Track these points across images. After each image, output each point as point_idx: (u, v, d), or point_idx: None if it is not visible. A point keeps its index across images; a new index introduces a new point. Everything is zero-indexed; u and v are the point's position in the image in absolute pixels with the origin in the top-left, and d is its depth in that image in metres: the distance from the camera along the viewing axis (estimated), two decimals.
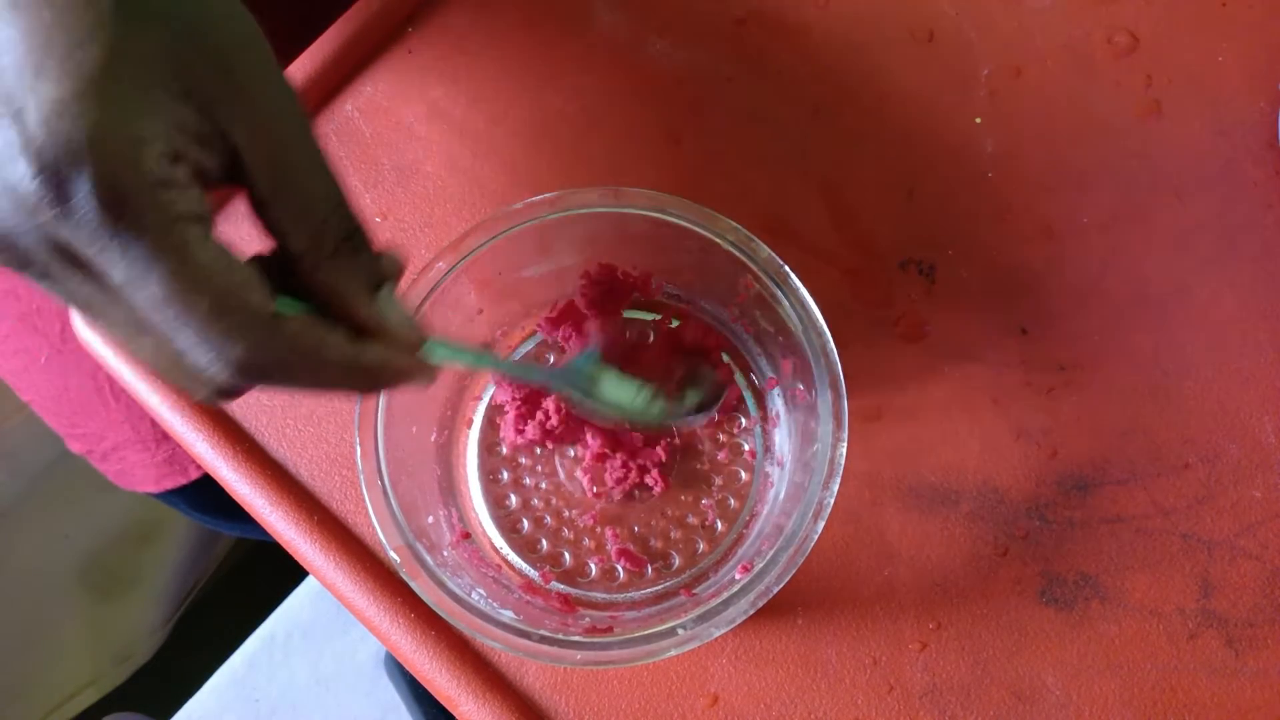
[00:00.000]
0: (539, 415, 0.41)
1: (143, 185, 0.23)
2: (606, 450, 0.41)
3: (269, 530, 0.42)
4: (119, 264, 0.23)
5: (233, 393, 0.26)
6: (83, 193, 0.22)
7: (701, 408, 0.41)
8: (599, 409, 0.39)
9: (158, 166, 0.24)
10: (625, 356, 0.42)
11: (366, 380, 0.28)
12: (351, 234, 0.28)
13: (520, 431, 0.41)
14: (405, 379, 0.30)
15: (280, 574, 0.86)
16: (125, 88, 0.23)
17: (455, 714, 0.40)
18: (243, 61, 0.26)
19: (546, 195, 0.38)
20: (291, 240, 0.27)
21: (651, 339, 0.43)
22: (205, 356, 0.25)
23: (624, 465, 0.41)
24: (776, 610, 0.40)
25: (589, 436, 0.42)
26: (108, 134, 0.23)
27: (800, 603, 0.41)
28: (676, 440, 0.42)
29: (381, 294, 0.29)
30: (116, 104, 0.23)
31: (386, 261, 0.30)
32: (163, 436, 0.61)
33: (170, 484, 0.64)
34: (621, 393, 0.39)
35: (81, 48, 0.23)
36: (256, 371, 0.25)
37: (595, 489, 0.41)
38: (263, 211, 0.27)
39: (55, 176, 0.22)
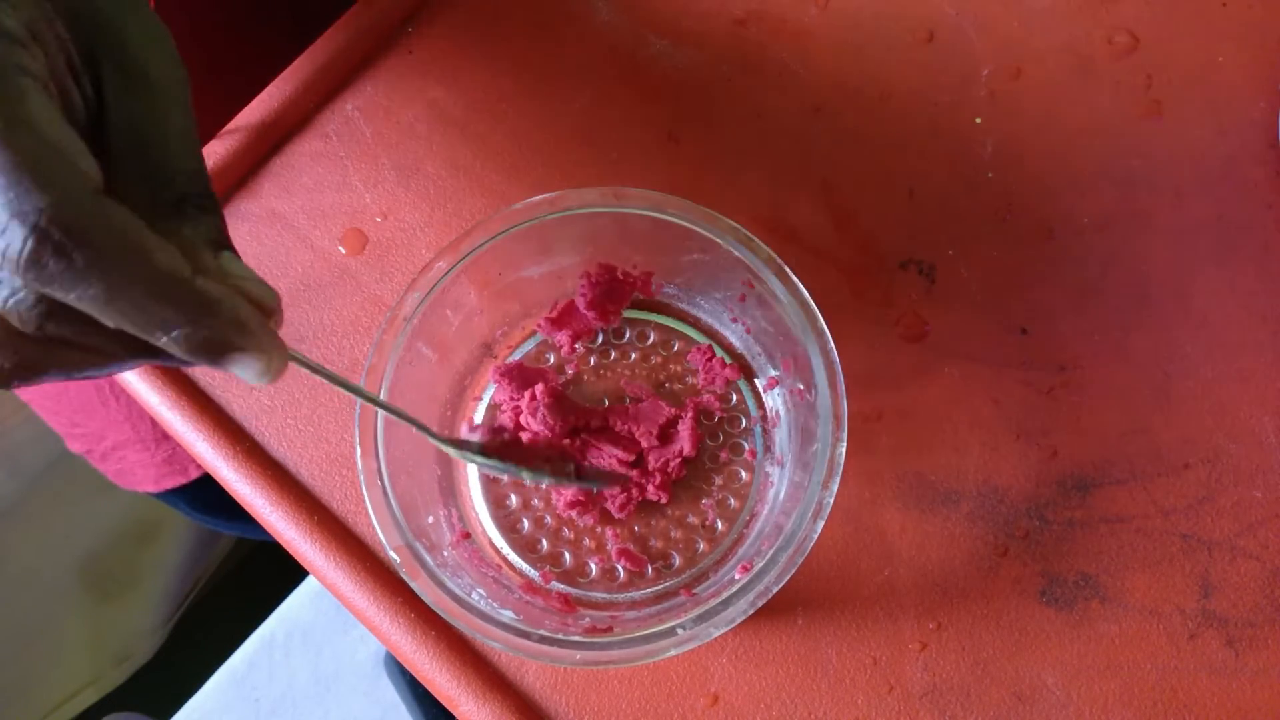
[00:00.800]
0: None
1: None
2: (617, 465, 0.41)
3: (269, 530, 0.42)
4: None
5: (22, 317, 0.22)
6: None
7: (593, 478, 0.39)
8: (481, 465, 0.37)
9: (9, 21, 0.22)
10: (510, 446, 0.38)
11: (189, 311, 0.23)
12: (202, 195, 0.26)
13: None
14: (236, 332, 0.24)
15: (280, 574, 0.86)
16: None
17: (455, 714, 0.40)
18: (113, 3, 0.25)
19: (546, 195, 0.38)
20: (136, 186, 0.25)
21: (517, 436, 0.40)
22: (3, 217, 0.20)
23: (624, 492, 0.41)
24: (777, 610, 0.40)
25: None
26: None
27: (800, 602, 0.41)
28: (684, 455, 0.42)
29: (225, 254, 0.26)
30: None
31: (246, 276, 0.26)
32: (162, 436, 0.61)
33: (170, 483, 0.64)
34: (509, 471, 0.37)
35: None
36: (62, 255, 0.21)
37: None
38: (113, 169, 0.25)
39: None
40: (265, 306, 0.25)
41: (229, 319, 0.23)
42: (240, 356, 0.24)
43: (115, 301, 0.22)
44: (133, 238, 0.22)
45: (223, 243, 0.26)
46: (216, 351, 0.23)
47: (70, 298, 0.22)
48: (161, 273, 0.22)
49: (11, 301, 0.22)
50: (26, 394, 0.63)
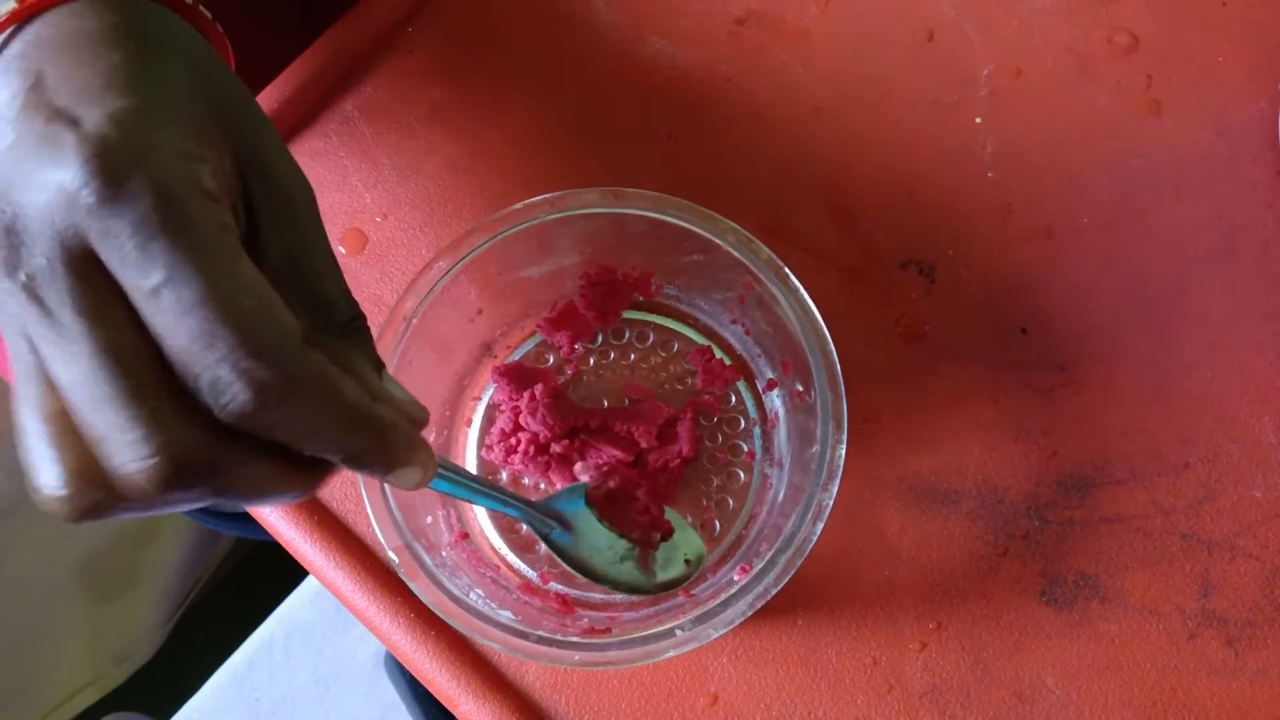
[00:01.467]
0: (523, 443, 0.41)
1: (194, 191, 0.24)
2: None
3: (269, 530, 0.42)
4: (158, 263, 0.22)
5: (211, 458, 0.24)
6: (138, 190, 0.23)
7: (672, 583, 0.39)
8: (567, 557, 0.38)
9: (207, 180, 0.24)
10: (609, 500, 0.40)
11: (371, 438, 0.26)
12: (356, 318, 0.28)
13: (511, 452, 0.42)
14: (407, 450, 0.27)
15: (280, 574, 0.86)
16: (174, 112, 0.25)
17: (455, 714, 0.40)
18: (251, 119, 0.27)
19: (546, 195, 0.38)
20: (302, 314, 0.26)
21: (640, 489, 0.41)
22: (229, 375, 0.23)
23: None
24: (776, 610, 0.40)
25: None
26: (164, 143, 0.24)
27: (800, 603, 0.41)
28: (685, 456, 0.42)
29: (384, 375, 0.28)
30: (172, 122, 0.24)
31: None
32: None
33: None
34: (596, 541, 0.38)
35: (137, 75, 0.24)
36: (274, 393, 0.23)
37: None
38: (278, 281, 0.26)
39: (111, 173, 0.23)
40: (419, 423, 0.28)
41: (401, 441, 0.26)
42: (403, 470, 0.27)
43: (314, 436, 0.25)
44: (330, 381, 0.25)
45: (378, 362, 0.29)
46: (387, 468, 0.27)
47: (275, 435, 0.24)
48: (350, 408, 0.25)
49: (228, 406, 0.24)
50: None
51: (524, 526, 0.41)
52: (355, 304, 0.28)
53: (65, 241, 0.23)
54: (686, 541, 0.39)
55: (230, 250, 0.24)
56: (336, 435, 0.25)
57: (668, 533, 0.39)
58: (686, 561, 0.39)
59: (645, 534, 0.39)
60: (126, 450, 0.23)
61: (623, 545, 0.39)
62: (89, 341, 0.23)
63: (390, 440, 0.26)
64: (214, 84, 0.27)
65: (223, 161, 0.25)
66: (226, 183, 0.26)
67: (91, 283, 0.23)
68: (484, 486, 0.35)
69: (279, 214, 0.27)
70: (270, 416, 0.23)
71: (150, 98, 0.25)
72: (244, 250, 0.25)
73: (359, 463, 0.26)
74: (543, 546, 0.39)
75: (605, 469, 0.40)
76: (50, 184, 0.23)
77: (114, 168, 0.23)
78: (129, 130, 0.23)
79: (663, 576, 0.39)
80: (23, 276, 0.23)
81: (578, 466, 0.41)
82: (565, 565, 0.38)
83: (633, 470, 0.41)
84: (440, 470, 0.31)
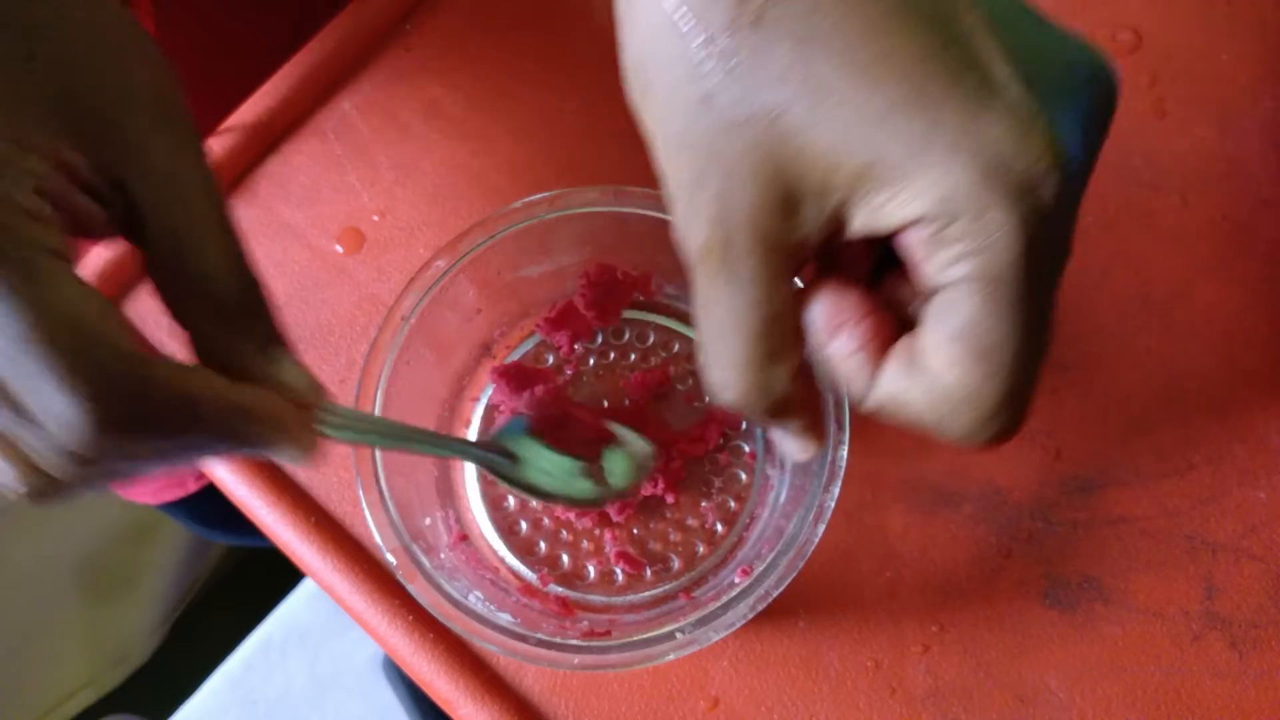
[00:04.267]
0: None
1: (12, 212, 0.23)
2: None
3: (266, 532, 0.42)
4: None
5: (76, 475, 0.24)
6: None
7: (627, 489, 0.40)
8: (518, 484, 0.38)
9: (22, 195, 0.23)
10: (552, 425, 0.40)
11: (239, 425, 0.26)
12: (247, 292, 0.28)
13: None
14: (281, 431, 0.27)
15: (278, 576, 0.86)
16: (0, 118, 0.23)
17: (453, 717, 0.40)
18: (133, 117, 0.26)
19: (546, 194, 0.38)
20: (186, 310, 0.27)
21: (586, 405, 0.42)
22: (61, 404, 0.22)
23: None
24: (777, 612, 0.40)
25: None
26: None
27: (801, 605, 0.40)
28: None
29: (275, 351, 0.28)
30: None
31: (289, 367, 0.28)
32: None
33: (169, 496, 0.64)
34: (545, 465, 0.38)
35: None
36: (118, 421, 0.23)
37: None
38: (157, 276, 0.27)
39: None
40: (304, 396, 0.28)
41: (268, 422, 0.26)
42: (280, 451, 0.27)
43: (171, 451, 0.25)
44: (180, 383, 0.24)
45: (271, 336, 0.28)
46: (256, 448, 0.27)
47: (130, 456, 0.24)
48: (205, 404, 0.25)
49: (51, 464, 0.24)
50: None
51: (523, 526, 0.41)
52: (245, 278, 0.27)
53: None
54: (632, 447, 0.40)
55: (47, 271, 0.23)
56: (199, 435, 0.25)
57: (611, 440, 0.40)
58: (637, 466, 0.40)
59: (593, 449, 0.40)
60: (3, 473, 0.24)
61: (570, 463, 0.39)
62: None
63: (258, 424, 0.26)
64: (84, 89, 0.25)
65: (75, 165, 0.24)
66: (80, 187, 0.25)
67: None
68: (413, 433, 0.35)
69: (153, 198, 0.26)
70: (116, 443, 0.23)
71: None
72: (70, 265, 0.24)
73: (231, 451, 0.26)
74: (543, 546, 0.39)
75: (541, 397, 0.40)
76: None
77: None
78: None
79: (617, 484, 0.39)
80: None
81: (519, 402, 0.41)
82: (518, 491, 0.39)
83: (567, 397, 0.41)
84: (354, 428, 0.31)
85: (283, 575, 0.82)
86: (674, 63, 0.24)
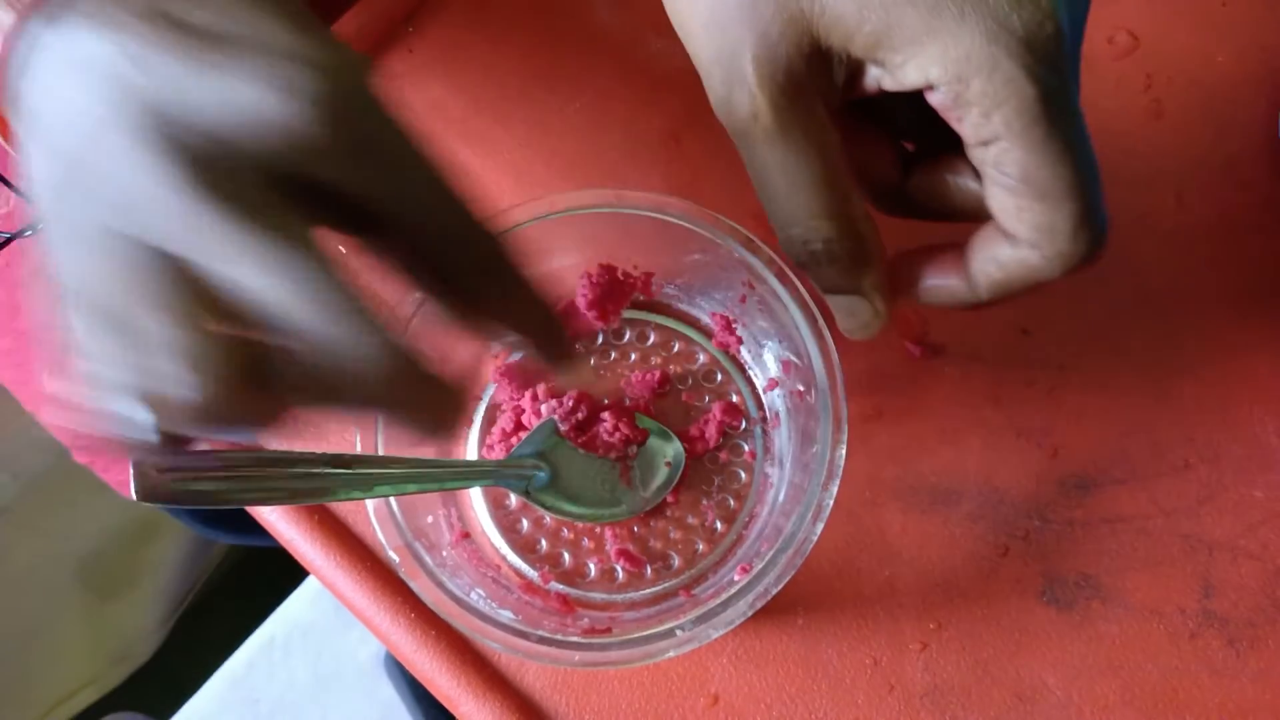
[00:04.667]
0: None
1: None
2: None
3: (269, 529, 0.42)
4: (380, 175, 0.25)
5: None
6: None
7: (660, 490, 0.40)
8: (553, 502, 0.39)
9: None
10: (580, 430, 0.41)
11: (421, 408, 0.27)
12: (485, 245, 0.28)
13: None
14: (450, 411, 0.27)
15: (280, 574, 0.86)
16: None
17: (455, 714, 0.40)
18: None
19: (547, 195, 0.38)
20: (448, 266, 0.28)
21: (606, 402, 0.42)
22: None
23: None
24: (777, 610, 0.40)
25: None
26: None
27: (800, 603, 0.40)
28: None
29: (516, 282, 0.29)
30: None
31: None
32: None
33: None
34: (581, 467, 0.39)
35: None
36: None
37: None
38: (399, 250, 0.28)
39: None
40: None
41: (440, 409, 0.27)
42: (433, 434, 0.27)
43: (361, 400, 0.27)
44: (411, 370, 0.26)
45: (511, 285, 0.28)
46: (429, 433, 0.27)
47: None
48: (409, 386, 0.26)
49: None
50: (31, 404, 0.62)
51: (524, 524, 0.41)
52: (478, 237, 0.27)
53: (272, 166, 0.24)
54: (662, 445, 0.41)
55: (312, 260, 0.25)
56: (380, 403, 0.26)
57: (643, 440, 0.41)
58: (667, 464, 0.41)
59: (622, 449, 0.41)
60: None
61: (605, 465, 0.40)
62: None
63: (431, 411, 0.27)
64: None
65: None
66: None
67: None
68: (444, 472, 0.36)
69: (387, 182, 0.27)
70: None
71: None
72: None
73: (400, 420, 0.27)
74: (544, 543, 0.39)
75: (570, 401, 0.41)
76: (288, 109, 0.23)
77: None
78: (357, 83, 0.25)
79: (650, 489, 0.40)
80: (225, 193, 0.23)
81: (544, 407, 0.41)
82: (553, 514, 0.39)
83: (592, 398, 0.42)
84: (390, 480, 0.33)
85: (285, 574, 0.83)
86: None
